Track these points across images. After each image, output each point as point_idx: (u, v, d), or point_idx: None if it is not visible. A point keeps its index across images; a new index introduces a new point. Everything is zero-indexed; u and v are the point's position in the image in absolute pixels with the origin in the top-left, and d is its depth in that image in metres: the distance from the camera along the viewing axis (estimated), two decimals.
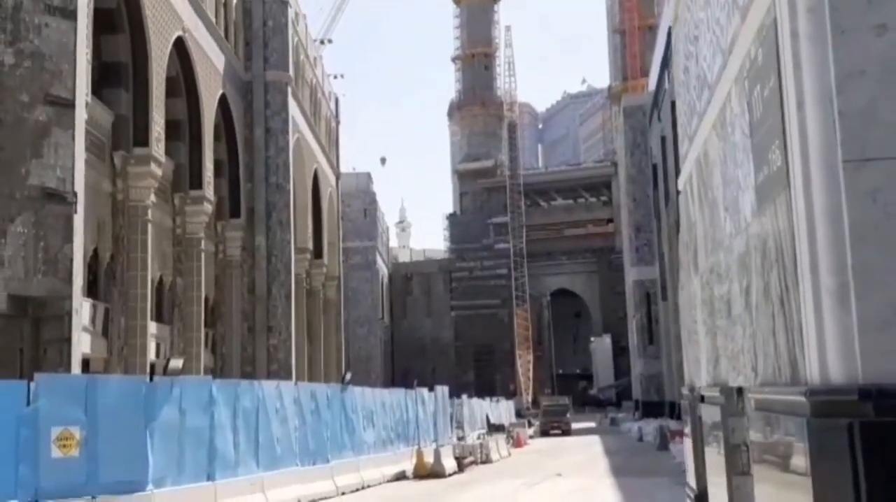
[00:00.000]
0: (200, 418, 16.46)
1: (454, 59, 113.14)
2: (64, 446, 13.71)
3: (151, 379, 18.07)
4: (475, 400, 50.51)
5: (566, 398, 63.78)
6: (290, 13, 43.96)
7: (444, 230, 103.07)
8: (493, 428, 47.02)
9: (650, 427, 40.92)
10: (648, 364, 58.34)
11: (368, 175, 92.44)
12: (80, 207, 23.11)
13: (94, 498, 13.64)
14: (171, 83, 31.76)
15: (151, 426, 15.02)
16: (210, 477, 16.37)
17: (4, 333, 21.69)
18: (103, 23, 27.55)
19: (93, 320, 26.84)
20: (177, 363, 25.77)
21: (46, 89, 22.38)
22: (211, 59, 36.17)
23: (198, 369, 32.34)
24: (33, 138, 22.02)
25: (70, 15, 22.98)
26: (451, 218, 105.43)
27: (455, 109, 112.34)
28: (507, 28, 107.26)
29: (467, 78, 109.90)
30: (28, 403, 13.64)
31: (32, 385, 13.89)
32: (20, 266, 21.68)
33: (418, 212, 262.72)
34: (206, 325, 35.39)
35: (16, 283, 21.61)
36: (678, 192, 7.91)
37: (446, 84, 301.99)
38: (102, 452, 14.00)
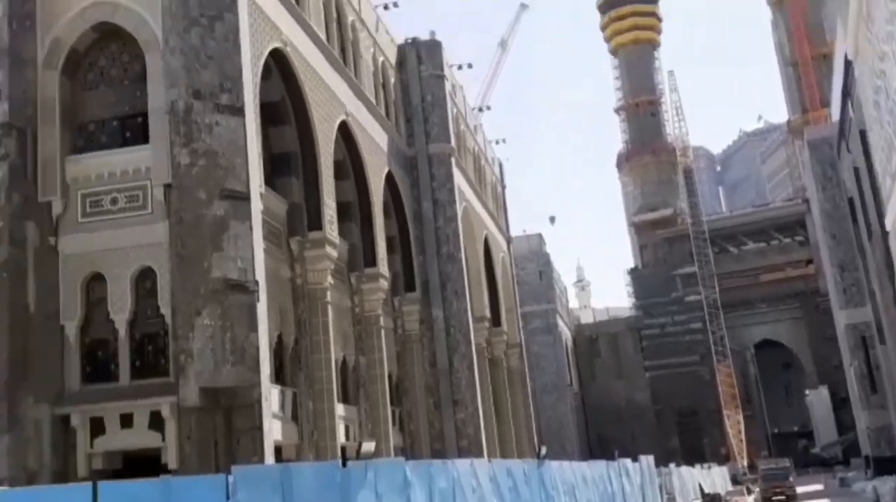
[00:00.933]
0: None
1: (618, 111, 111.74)
2: None
3: (344, 463, 17.60)
4: (684, 469, 47.52)
5: (786, 460, 58.82)
6: (448, 86, 44.35)
7: (627, 286, 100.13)
8: (708, 499, 43.82)
9: (886, 486, 37.51)
10: (874, 415, 53.31)
11: (540, 236, 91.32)
12: (262, 295, 23.34)
13: None
14: (338, 166, 32.27)
15: None
16: None
17: (199, 426, 21.90)
18: (270, 115, 28.36)
19: (282, 406, 26.86)
20: (369, 446, 25.16)
21: (221, 184, 22.95)
22: (374, 139, 36.68)
23: (387, 449, 31.85)
24: (213, 232, 22.53)
25: (238, 112, 23.67)
26: (633, 272, 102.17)
27: (624, 160, 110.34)
28: (671, 73, 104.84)
29: (633, 127, 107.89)
30: (227, 497, 13.39)
31: (230, 478, 13.65)
32: (209, 358, 21.96)
33: (596, 270, 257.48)
34: (391, 403, 35.02)
35: (206, 375, 21.88)
36: (886, 232, 6.60)
37: (611, 135, 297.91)
38: None
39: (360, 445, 27.97)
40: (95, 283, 23.73)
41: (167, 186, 23.04)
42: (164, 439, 22.42)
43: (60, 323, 23.34)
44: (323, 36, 32.27)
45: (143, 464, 22.93)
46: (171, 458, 22.09)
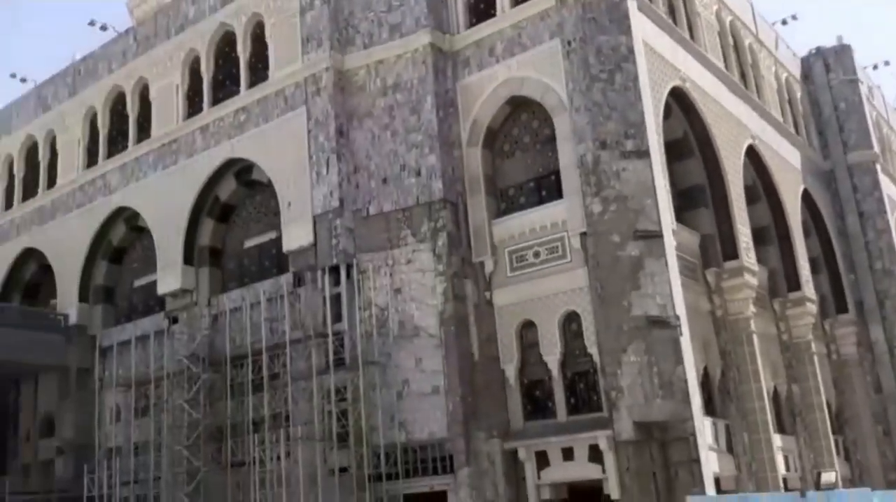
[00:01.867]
0: None
1: None
2: None
3: (803, 494, 17.43)
4: None
5: None
6: (863, 89, 41.30)
7: None
8: None
9: None
10: None
11: None
12: (685, 329, 23.85)
13: None
14: (749, 191, 31.68)
15: None
16: None
17: (636, 458, 22.94)
18: (674, 152, 28.81)
19: (716, 438, 26.82)
20: (829, 476, 24.14)
21: (634, 226, 24.03)
22: (785, 158, 35.41)
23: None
24: (630, 272, 23.66)
25: (643, 155, 24.64)
26: None
27: None
28: None
29: None
30: None
31: None
32: (639, 393, 22.97)
33: None
34: (833, 432, 33.00)
35: (638, 410, 22.89)
36: None
37: None
38: None
39: (818, 476, 26.73)
40: (527, 330, 26.15)
41: (583, 234, 24.74)
42: (603, 471, 23.62)
43: (501, 366, 26.09)
44: (721, 64, 32.22)
45: (586, 495, 24.54)
46: (612, 489, 23.29)
